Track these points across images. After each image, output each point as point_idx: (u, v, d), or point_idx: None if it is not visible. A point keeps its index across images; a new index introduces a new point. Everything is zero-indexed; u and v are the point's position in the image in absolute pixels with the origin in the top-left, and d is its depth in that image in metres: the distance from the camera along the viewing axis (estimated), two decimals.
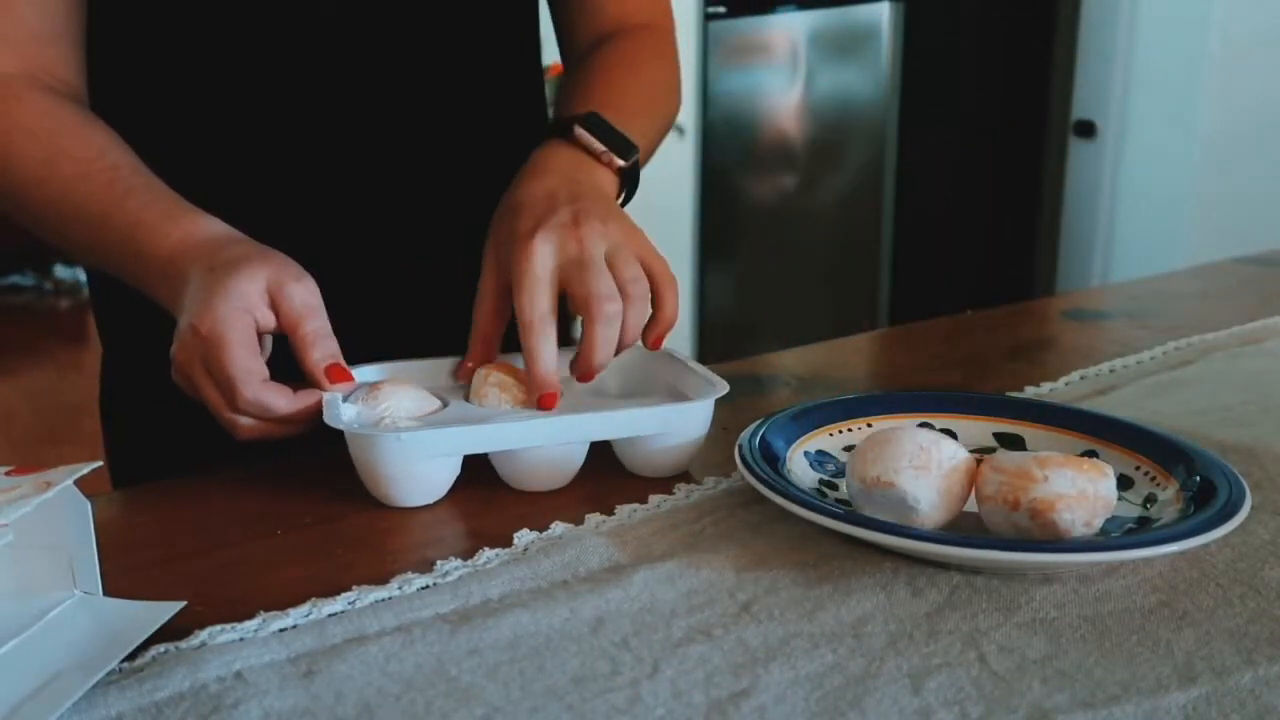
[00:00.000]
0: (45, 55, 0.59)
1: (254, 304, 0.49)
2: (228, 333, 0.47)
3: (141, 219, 0.54)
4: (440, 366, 0.58)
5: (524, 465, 0.49)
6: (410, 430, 0.46)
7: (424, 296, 0.69)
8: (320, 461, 0.51)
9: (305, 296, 0.50)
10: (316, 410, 0.49)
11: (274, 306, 0.50)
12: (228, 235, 0.53)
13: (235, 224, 0.55)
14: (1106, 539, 0.41)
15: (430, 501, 0.48)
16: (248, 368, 0.47)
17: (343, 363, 0.50)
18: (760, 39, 2.92)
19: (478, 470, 0.48)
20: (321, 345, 0.50)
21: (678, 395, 0.54)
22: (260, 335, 0.50)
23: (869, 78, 2.59)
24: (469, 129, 0.70)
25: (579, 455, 0.50)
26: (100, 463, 0.38)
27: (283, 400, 0.48)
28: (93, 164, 0.56)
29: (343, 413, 0.49)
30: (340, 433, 0.47)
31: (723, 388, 0.51)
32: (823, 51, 2.74)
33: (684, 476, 0.50)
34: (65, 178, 0.55)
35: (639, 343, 0.55)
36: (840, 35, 2.68)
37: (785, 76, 2.85)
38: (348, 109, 0.65)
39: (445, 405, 0.52)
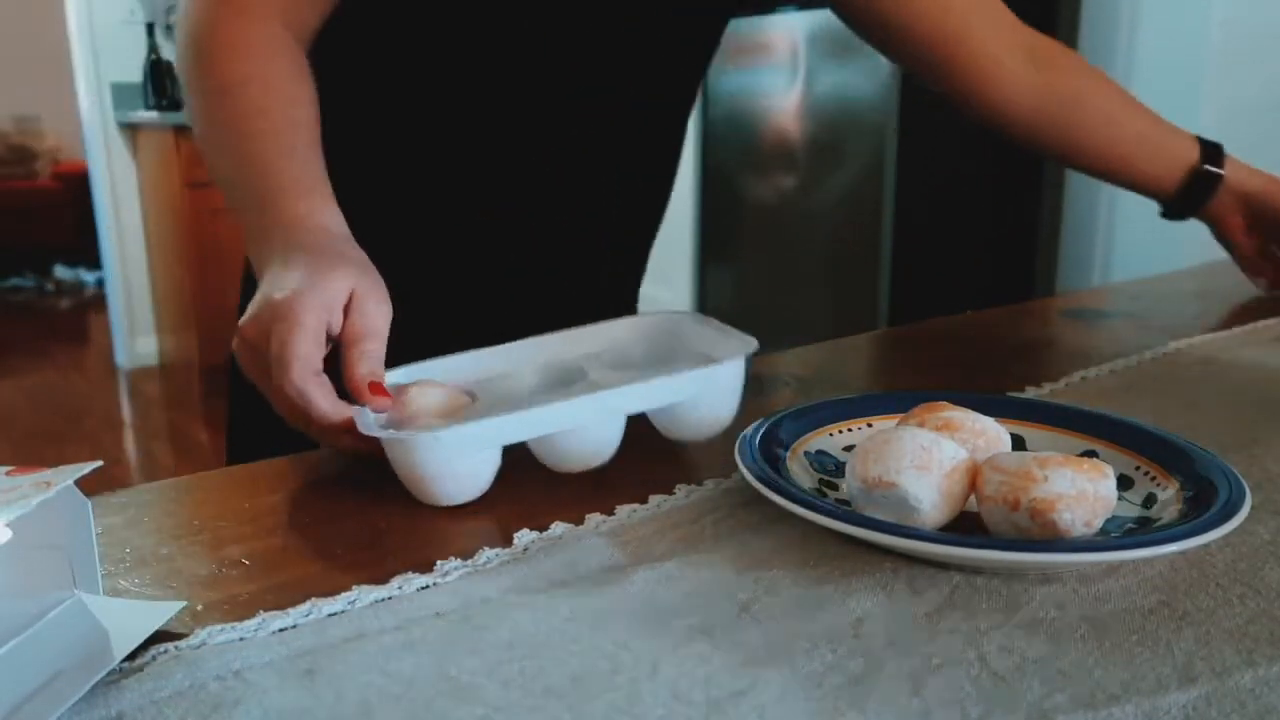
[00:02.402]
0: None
1: (334, 305, 0.50)
2: (304, 316, 0.48)
3: (284, 181, 0.57)
4: (463, 362, 0.57)
5: (563, 447, 0.48)
6: (445, 428, 0.46)
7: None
8: (320, 461, 0.51)
9: (378, 318, 0.51)
10: (347, 425, 0.48)
11: (346, 314, 0.50)
12: (342, 233, 0.56)
13: (382, 219, 0.62)
14: (1106, 539, 0.41)
15: (476, 496, 0.48)
16: (309, 353, 0.48)
17: (385, 384, 0.51)
18: (760, 39, 2.92)
19: None
20: (372, 364, 0.50)
21: (704, 359, 0.54)
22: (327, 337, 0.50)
23: (869, 78, 2.59)
24: (625, 186, 0.79)
25: (617, 431, 0.50)
26: (100, 462, 0.38)
27: (323, 397, 0.48)
28: (277, 113, 0.59)
29: (373, 419, 0.49)
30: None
31: (752, 344, 0.51)
32: (823, 51, 2.74)
33: (684, 476, 0.50)
34: (248, 110, 0.59)
35: (665, 311, 0.58)
36: (840, 35, 2.67)
37: (785, 76, 2.85)
38: (530, 144, 0.73)
39: (474, 400, 0.52)
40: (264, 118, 0.58)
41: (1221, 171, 0.84)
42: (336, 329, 0.50)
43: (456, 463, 0.46)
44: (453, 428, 0.46)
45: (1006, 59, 0.81)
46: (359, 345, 0.50)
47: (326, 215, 0.56)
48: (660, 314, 0.59)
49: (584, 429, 0.48)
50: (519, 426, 0.47)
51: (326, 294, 0.49)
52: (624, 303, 0.87)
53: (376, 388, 0.50)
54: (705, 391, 0.50)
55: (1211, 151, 0.85)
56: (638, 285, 0.88)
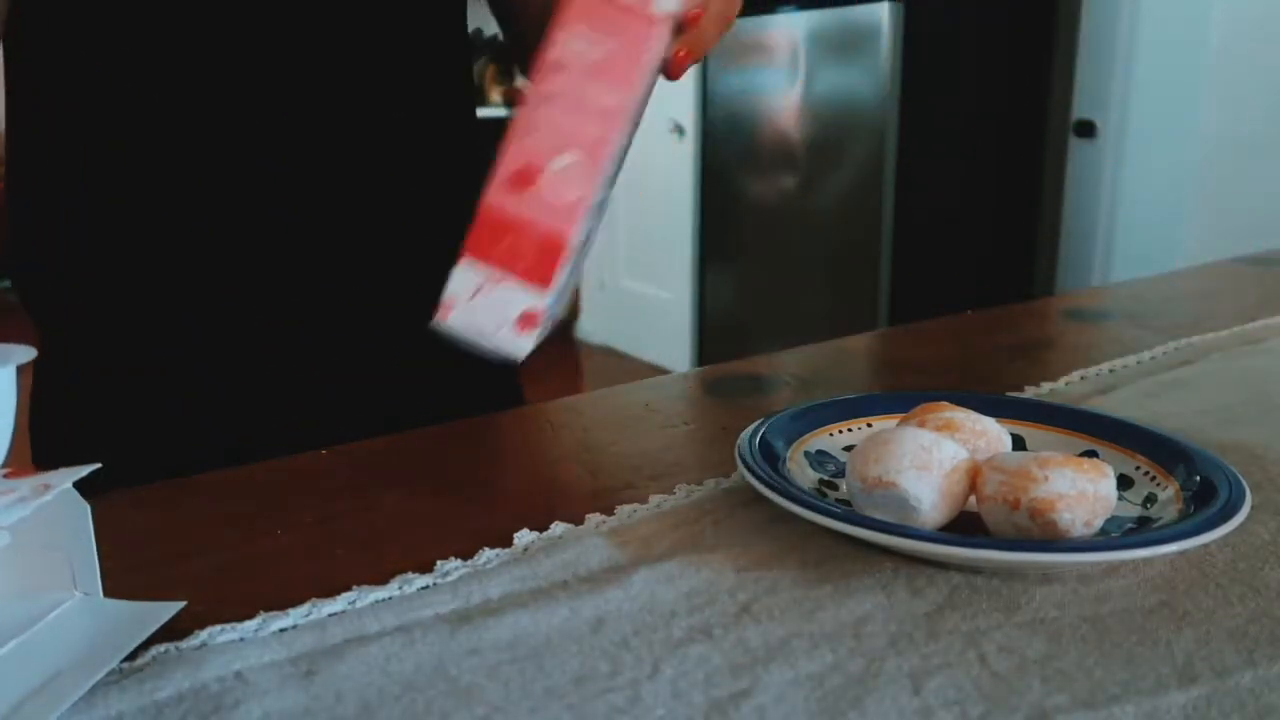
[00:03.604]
0: None
1: None
2: None
3: None
4: None
5: None
6: None
7: (359, 292, 0.67)
8: (320, 461, 0.51)
9: None
10: None
11: None
12: None
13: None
14: (1106, 539, 0.41)
15: None
16: None
17: None
18: (760, 39, 2.92)
19: (477, 469, 0.48)
20: None
21: None
22: None
23: (869, 78, 2.59)
24: (402, 128, 0.68)
25: None
26: (99, 464, 0.38)
27: None
28: None
29: None
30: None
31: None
32: (823, 51, 2.73)
33: (684, 476, 0.50)
34: None
35: None
36: (840, 35, 2.68)
37: (785, 76, 2.85)
38: (280, 108, 0.63)
39: None
40: None
41: None
42: None
43: None
44: None
45: None
46: None
47: None
48: None
49: None
50: None
51: None
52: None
53: None
54: None
55: None
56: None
